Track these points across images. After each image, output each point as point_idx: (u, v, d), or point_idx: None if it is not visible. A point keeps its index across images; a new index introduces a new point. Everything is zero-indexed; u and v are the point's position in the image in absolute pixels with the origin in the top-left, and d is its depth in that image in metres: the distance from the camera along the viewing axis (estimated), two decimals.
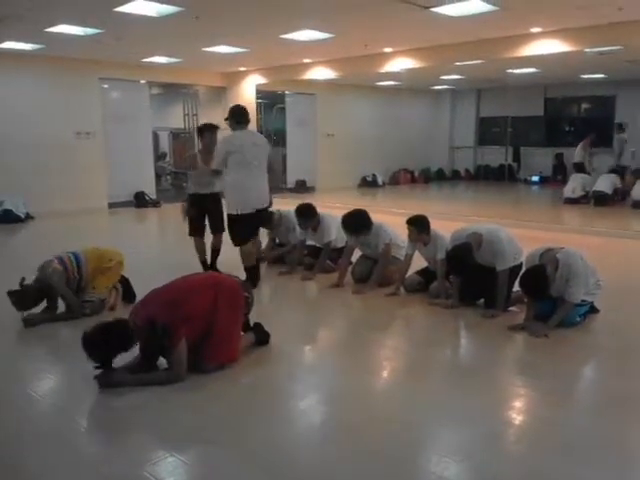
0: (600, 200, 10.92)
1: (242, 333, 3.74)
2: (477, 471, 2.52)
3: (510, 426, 2.91)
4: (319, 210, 5.95)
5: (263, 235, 6.60)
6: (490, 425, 2.88)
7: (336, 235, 5.86)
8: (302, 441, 2.79)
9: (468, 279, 4.65)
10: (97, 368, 3.22)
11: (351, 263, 5.67)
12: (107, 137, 11.61)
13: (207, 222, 5.86)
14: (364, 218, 5.36)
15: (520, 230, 6.83)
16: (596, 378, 3.73)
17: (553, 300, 4.18)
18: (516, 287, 4.51)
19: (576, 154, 13.30)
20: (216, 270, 5.69)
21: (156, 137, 14.26)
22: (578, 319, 4.27)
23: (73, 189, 11.03)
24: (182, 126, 14.34)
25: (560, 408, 3.11)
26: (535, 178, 15.97)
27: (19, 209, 9.94)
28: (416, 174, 17.14)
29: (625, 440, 2.78)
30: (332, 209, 6.74)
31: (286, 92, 14.24)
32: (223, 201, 5.57)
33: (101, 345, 3.17)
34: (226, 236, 5.54)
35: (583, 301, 4.22)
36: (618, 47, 8.75)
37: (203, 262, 5.86)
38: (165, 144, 15.68)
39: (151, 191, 12.41)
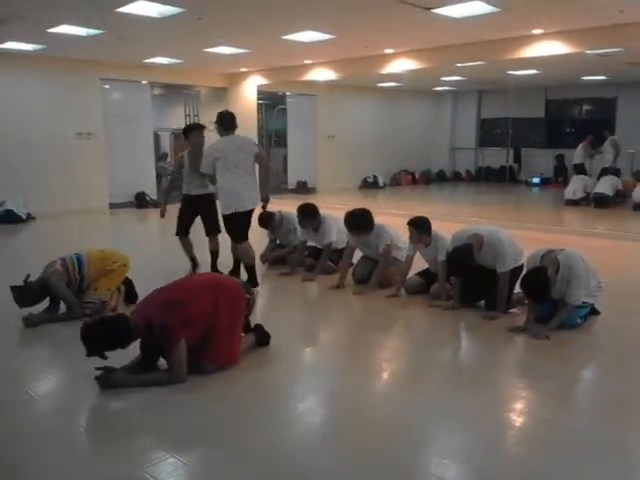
0: (601, 202, 10.91)
1: (243, 334, 3.74)
2: (477, 473, 2.52)
3: (510, 428, 2.91)
4: (320, 211, 5.95)
5: (263, 236, 6.62)
6: (490, 427, 2.88)
7: (337, 236, 5.87)
8: (302, 442, 2.79)
9: (469, 281, 4.65)
10: (97, 369, 3.22)
11: (352, 264, 5.67)
12: (108, 137, 11.62)
13: (202, 224, 5.96)
14: (367, 217, 5.36)
15: (521, 231, 6.84)
16: (597, 380, 3.72)
17: (554, 302, 4.18)
18: (517, 289, 4.51)
19: (576, 155, 13.27)
20: (217, 272, 5.73)
21: (157, 138, 14.26)
22: (579, 321, 4.26)
23: (74, 189, 11.03)
24: (183, 127, 14.33)
25: (561, 410, 3.10)
26: (536, 180, 15.96)
27: (20, 209, 9.94)
28: (417, 175, 17.13)
29: (626, 442, 2.77)
30: (333, 210, 6.73)
31: (287, 93, 14.24)
32: (217, 202, 5.65)
33: (99, 337, 3.17)
34: (221, 237, 5.56)
35: (584, 303, 4.22)
36: (619, 49, 8.75)
37: (192, 259, 6.00)
38: (166, 145, 15.68)
39: (152, 192, 12.41)
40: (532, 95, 15.68)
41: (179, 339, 3.23)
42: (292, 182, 14.33)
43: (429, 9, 7.05)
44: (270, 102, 14.38)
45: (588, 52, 8.90)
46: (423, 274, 5.26)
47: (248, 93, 13.34)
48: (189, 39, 9.10)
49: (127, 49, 9.89)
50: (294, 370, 3.68)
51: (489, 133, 17.64)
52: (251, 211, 5.37)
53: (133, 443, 2.77)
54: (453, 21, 7.61)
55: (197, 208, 5.91)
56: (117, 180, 11.64)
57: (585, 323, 4.33)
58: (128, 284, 4.85)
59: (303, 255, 6.10)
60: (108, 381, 3.22)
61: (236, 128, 5.42)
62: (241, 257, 5.47)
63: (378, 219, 5.47)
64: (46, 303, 4.49)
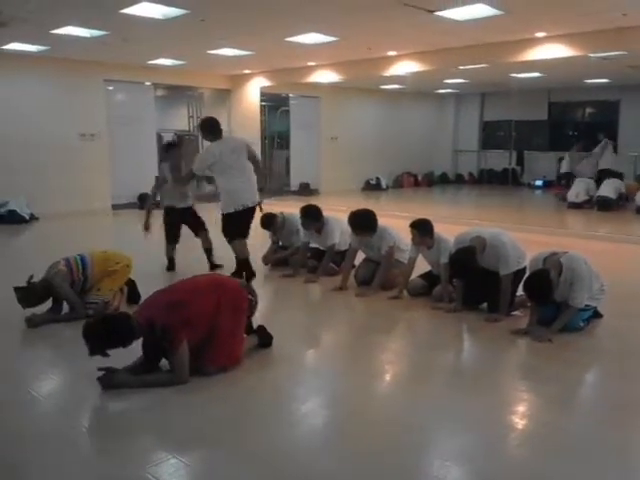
0: (604, 205, 10.90)
1: (245, 336, 3.74)
2: (479, 475, 2.51)
3: (512, 430, 2.90)
4: (324, 213, 5.96)
5: (266, 237, 6.62)
6: (492, 429, 2.88)
7: (340, 238, 5.87)
8: (304, 444, 2.79)
9: (471, 283, 4.64)
10: (100, 369, 3.23)
11: (354, 266, 5.67)
12: (111, 139, 11.63)
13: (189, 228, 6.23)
14: (371, 218, 5.37)
15: (524, 234, 6.83)
16: (599, 383, 3.72)
17: (556, 304, 4.17)
18: (519, 291, 4.51)
19: (563, 164, 13.38)
20: (216, 266, 6.04)
21: (160, 139, 14.27)
22: (581, 324, 4.26)
23: (77, 190, 11.05)
24: (186, 128, 14.38)
25: (562, 412, 3.10)
26: (539, 182, 15.95)
27: (23, 210, 9.97)
28: (419, 177, 17.13)
29: (627, 445, 2.77)
30: (336, 212, 6.74)
31: (290, 95, 14.25)
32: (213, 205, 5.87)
33: (101, 336, 3.18)
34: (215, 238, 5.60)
35: (587, 306, 4.21)
36: (622, 52, 8.74)
37: (170, 259, 6.22)
38: None
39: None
40: (535, 98, 15.67)
41: (181, 340, 3.23)
42: (295, 184, 14.33)
43: (432, 12, 7.05)
44: (273, 104, 14.39)
45: (591, 55, 8.90)
46: (425, 276, 5.25)
47: (251, 95, 13.36)
48: (192, 41, 9.12)
49: (131, 50, 9.91)
50: (296, 372, 3.68)
51: (492, 136, 17.63)
52: (252, 209, 5.49)
53: (135, 444, 2.77)
54: (456, 24, 7.62)
55: (183, 219, 6.19)
56: (120, 181, 11.66)
57: (588, 326, 4.32)
58: (131, 285, 4.85)
59: (305, 257, 6.10)
60: (110, 382, 3.23)
61: (221, 132, 5.56)
62: (237, 253, 5.60)
63: (381, 221, 5.46)
64: (49, 303, 4.50)
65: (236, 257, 5.61)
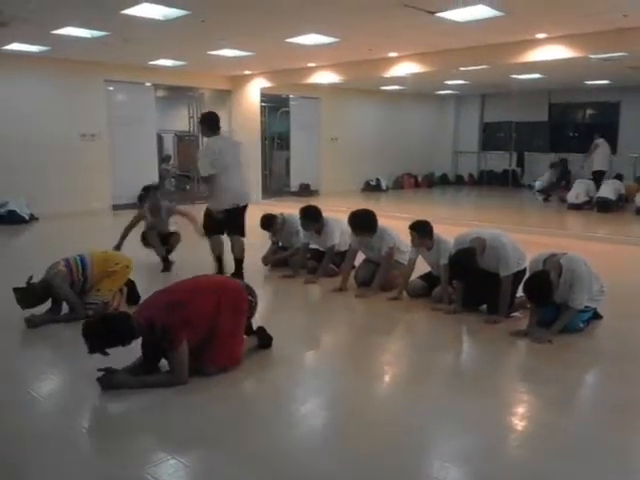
0: (604, 206, 10.90)
1: (245, 336, 3.74)
2: (478, 476, 2.52)
3: (512, 431, 2.90)
4: (324, 214, 5.96)
5: (266, 238, 6.62)
6: (492, 430, 2.88)
7: (339, 239, 5.87)
8: (303, 445, 2.79)
9: (471, 284, 4.64)
10: (99, 370, 3.23)
11: (354, 267, 5.67)
12: (112, 139, 11.63)
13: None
14: (371, 218, 5.37)
15: (523, 235, 6.83)
16: (599, 384, 3.72)
17: (556, 306, 4.17)
18: (519, 292, 4.51)
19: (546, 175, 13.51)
20: (167, 261, 6.34)
21: (160, 139, 14.29)
22: (581, 325, 4.26)
23: (77, 190, 11.05)
24: (187, 129, 14.39)
25: (562, 414, 3.10)
26: (539, 183, 15.92)
27: (23, 210, 9.96)
28: (420, 179, 17.13)
29: (627, 446, 2.77)
30: (336, 213, 6.75)
31: (290, 96, 14.25)
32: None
33: (101, 334, 3.18)
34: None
35: (586, 307, 4.22)
36: (623, 54, 8.74)
37: (164, 259, 6.41)
38: (170, 147, 15.70)
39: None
40: (535, 99, 15.67)
41: (181, 340, 3.23)
42: (295, 185, 14.34)
43: (433, 13, 7.05)
44: (273, 105, 14.39)
45: (592, 56, 8.90)
46: (425, 277, 5.25)
47: (251, 96, 13.36)
48: (193, 41, 9.12)
49: (131, 51, 9.91)
50: (296, 372, 3.68)
51: (492, 137, 17.63)
52: (244, 208, 5.63)
53: (134, 444, 2.77)
54: (457, 25, 7.61)
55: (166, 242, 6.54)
56: (120, 181, 11.66)
57: (587, 327, 4.32)
58: (130, 285, 4.85)
59: (305, 258, 6.10)
60: (110, 382, 3.23)
61: (220, 129, 5.66)
62: (213, 251, 5.70)
63: (381, 222, 5.46)
64: (49, 304, 4.50)
65: (213, 252, 5.71)
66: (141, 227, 6.59)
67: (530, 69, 10.92)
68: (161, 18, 7.30)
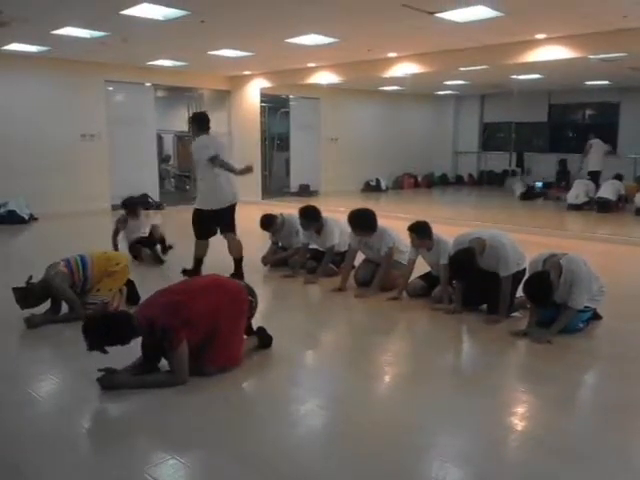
0: (603, 206, 10.90)
1: (245, 337, 3.74)
2: (478, 476, 2.51)
3: (512, 431, 2.90)
4: (323, 214, 5.96)
5: (265, 238, 6.63)
6: (492, 430, 2.88)
7: (339, 239, 5.87)
8: (303, 445, 2.79)
9: (471, 284, 4.64)
10: (99, 370, 3.23)
11: (354, 267, 5.67)
12: (111, 139, 11.63)
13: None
14: (370, 218, 5.37)
15: (523, 235, 6.84)
16: (598, 384, 3.72)
17: (556, 306, 4.17)
18: (519, 292, 4.51)
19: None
20: (136, 256, 6.61)
21: (160, 140, 14.29)
22: (581, 325, 4.26)
23: (77, 191, 11.05)
24: (186, 129, 14.38)
25: (562, 414, 3.10)
26: (538, 184, 15.94)
27: (23, 210, 9.96)
28: (419, 179, 17.14)
29: (627, 446, 2.77)
30: (335, 213, 6.75)
31: (290, 96, 14.26)
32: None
33: (101, 331, 3.18)
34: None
35: (586, 307, 4.22)
36: (622, 54, 8.75)
37: (157, 258, 6.68)
38: (169, 147, 15.71)
39: (155, 194, 12.43)
40: (535, 99, 15.67)
41: (181, 340, 3.23)
42: (294, 185, 14.34)
43: (432, 13, 7.05)
44: (273, 105, 14.40)
45: (591, 57, 8.90)
46: (425, 277, 5.25)
47: (251, 96, 13.36)
48: (193, 42, 9.12)
49: (131, 51, 9.91)
50: (296, 372, 3.68)
51: (492, 137, 17.63)
52: (233, 206, 5.69)
53: (134, 444, 2.77)
54: (456, 25, 7.62)
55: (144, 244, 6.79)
56: (120, 182, 11.64)
57: (587, 327, 4.32)
58: (130, 285, 4.85)
59: (305, 258, 6.10)
60: (109, 382, 3.23)
61: (210, 128, 5.73)
62: (195, 249, 5.75)
63: (380, 222, 5.47)
64: (48, 304, 4.50)
65: (195, 253, 5.77)
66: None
67: (530, 69, 10.92)
68: (161, 18, 7.30)
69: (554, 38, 8.47)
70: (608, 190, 11.07)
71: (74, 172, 11.09)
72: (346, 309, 5.12)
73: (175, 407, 3.08)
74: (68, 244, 6.54)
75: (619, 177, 12.10)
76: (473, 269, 4.41)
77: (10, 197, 9.93)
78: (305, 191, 14.12)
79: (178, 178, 15.17)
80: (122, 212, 6.97)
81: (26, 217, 9.95)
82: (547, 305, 4.11)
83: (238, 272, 5.66)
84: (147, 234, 6.81)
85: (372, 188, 15.58)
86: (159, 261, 6.63)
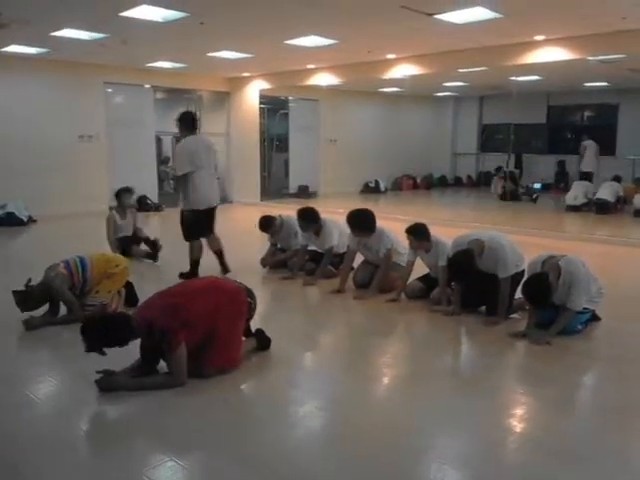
0: (602, 208, 10.91)
1: (244, 338, 3.74)
2: (477, 478, 2.51)
3: (510, 433, 2.90)
4: (322, 215, 5.96)
5: (264, 240, 6.62)
6: (490, 432, 2.88)
7: (338, 240, 5.87)
8: (302, 446, 2.79)
9: (469, 286, 4.64)
10: (98, 372, 3.23)
11: (353, 269, 5.67)
12: (110, 141, 11.64)
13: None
14: (369, 218, 5.37)
15: (522, 237, 6.85)
16: (597, 386, 3.72)
17: (555, 308, 4.18)
18: (517, 294, 4.51)
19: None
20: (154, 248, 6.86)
21: (159, 141, 14.29)
22: (580, 327, 4.26)
23: (75, 192, 11.05)
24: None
25: (561, 415, 3.10)
26: (537, 185, 15.95)
27: (21, 212, 9.95)
28: (418, 180, 17.15)
29: (626, 448, 2.77)
30: (334, 214, 6.75)
31: (289, 97, 14.28)
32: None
33: (99, 333, 3.18)
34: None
35: (585, 309, 4.21)
36: (621, 56, 8.76)
37: (147, 256, 6.91)
38: (168, 148, 15.69)
39: (153, 195, 12.43)
40: (534, 101, 15.69)
41: (179, 342, 3.23)
42: (293, 186, 14.35)
43: (431, 15, 7.06)
44: (272, 106, 14.40)
45: (590, 58, 8.92)
46: (424, 279, 5.25)
47: (250, 97, 13.37)
48: (192, 43, 9.12)
49: (130, 53, 9.92)
50: (294, 374, 3.68)
51: (491, 139, 17.65)
52: (214, 209, 5.80)
53: (132, 446, 2.77)
54: (455, 27, 7.63)
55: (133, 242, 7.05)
56: (119, 183, 11.58)
57: (586, 329, 4.32)
58: (129, 287, 4.85)
59: (304, 259, 6.10)
60: (108, 384, 3.22)
61: (197, 129, 5.84)
62: (190, 252, 5.80)
63: (379, 224, 5.47)
64: (47, 306, 4.49)
65: (191, 255, 5.80)
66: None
67: (529, 71, 10.93)
68: (160, 20, 7.30)
69: (553, 39, 8.49)
70: (607, 191, 11.09)
71: (73, 174, 11.09)
72: (345, 311, 5.12)
73: (174, 409, 3.08)
74: (67, 246, 6.53)
75: (617, 179, 12.13)
76: (472, 271, 4.41)
77: (9, 199, 9.92)
78: (304, 192, 14.12)
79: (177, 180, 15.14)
80: (112, 211, 7.20)
81: (25, 219, 9.94)
82: (546, 307, 4.11)
83: (222, 264, 5.87)
84: (131, 234, 7.04)
85: (371, 189, 15.59)
86: (151, 257, 6.84)
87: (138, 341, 3.31)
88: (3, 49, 9.43)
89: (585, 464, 2.59)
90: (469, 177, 17.79)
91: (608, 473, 2.53)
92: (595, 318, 4.46)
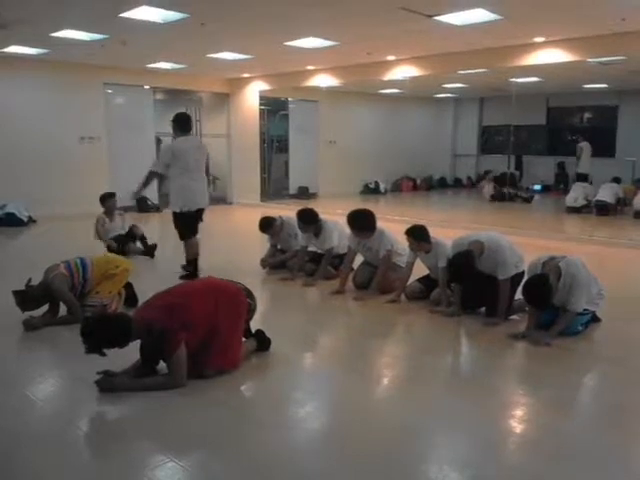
0: (602, 209, 10.92)
1: (243, 339, 3.74)
2: (477, 478, 2.51)
3: (510, 434, 2.90)
4: (321, 216, 5.96)
5: (264, 241, 6.62)
6: (490, 433, 2.88)
7: (338, 241, 5.87)
8: (302, 448, 2.78)
9: (469, 287, 4.64)
10: (98, 373, 3.23)
11: (352, 269, 5.67)
12: (110, 142, 11.65)
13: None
14: (369, 218, 5.37)
15: (522, 238, 6.85)
16: (597, 387, 3.72)
17: (555, 309, 4.18)
18: (517, 295, 4.51)
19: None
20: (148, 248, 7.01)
21: (159, 142, 14.27)
22: (580, 328, 4.26)
23: (75, 193, 11.03)
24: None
25: (561, 417, 3.10)
26: (537, 187, 15.97)
27: (22, 213, 9.96)
28: (418, 182, 17.16)
29: (626, 449, 2.77)
30: (334, 215, 6.75)
31: (289, 99, 14.29)
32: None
33: (99, 333, 3.18)
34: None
35: (585, 310, 4.21)
36: (621, 57, 8.77)
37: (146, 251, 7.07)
38: None
39: (153, 196, 12.43)
40: (534, 103, 15.71)
41: (179, 343, 3.23)
42: (293, 187, 14.37)
43: (431, 16, 7.07)
44: (272, 108, 14.41)
45: (590, 60, 8.93)
46: (423, 280, 5.25)
47: (250, 99, 13.38)
48: (192, 44, 9.13)
49: (130, 54, 9.93)
50: (294, 375, 3.68)
51: (490, 140, 17.66)
52: (202, 210, 5.85)
53: (133, 447, 2.76)
54: (455, 28, 7.64)
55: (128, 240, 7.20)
56: (119, 184, 11.61)
57: (586, 330, 4.32)
58: (129, 288, 4.85)
59: (304, 260, 6.10)
60: (108, 385, 3.22)
61: (191, 130, 5.94)
62: (188, 250, 5.86)
63: (379, 225, 5.47)
64: (46, 306, 4.49)
65: (187, 254, 5.86)
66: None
67: (528, 72, 10.95)
68: (160, 21, 7.31)
69: (553, 41, 8.50)
70: (607, 193, 11.09)
71: (73, 174, 11.09)
72: (345, 312, 5.12)
73: (174, 410, 3.08)
74: (67, 246, 6.54)
75: (617, 180, 12.14)
76: (472, 272, 4.41)
77: (9, 199, 9.93)
78: (304, 193, 14.14)
79: None
80: (100, 213, 7.41)
81: (25, 220, 9.95)
82: (546, 308, 4.11)
83: (194, 271, 5.88)
84: (125, 232, 7.22)
85: (371, 191, 15.61)
86: (147, 253, 6.91)
87: (138, 342, 3.30)
88: (3, 50, 9.43)
89: (585, 465, 2.59)
90: (469, 178, 17.79)
91: (608, 474, 2.53)
92: (595, 319, 4.47)
